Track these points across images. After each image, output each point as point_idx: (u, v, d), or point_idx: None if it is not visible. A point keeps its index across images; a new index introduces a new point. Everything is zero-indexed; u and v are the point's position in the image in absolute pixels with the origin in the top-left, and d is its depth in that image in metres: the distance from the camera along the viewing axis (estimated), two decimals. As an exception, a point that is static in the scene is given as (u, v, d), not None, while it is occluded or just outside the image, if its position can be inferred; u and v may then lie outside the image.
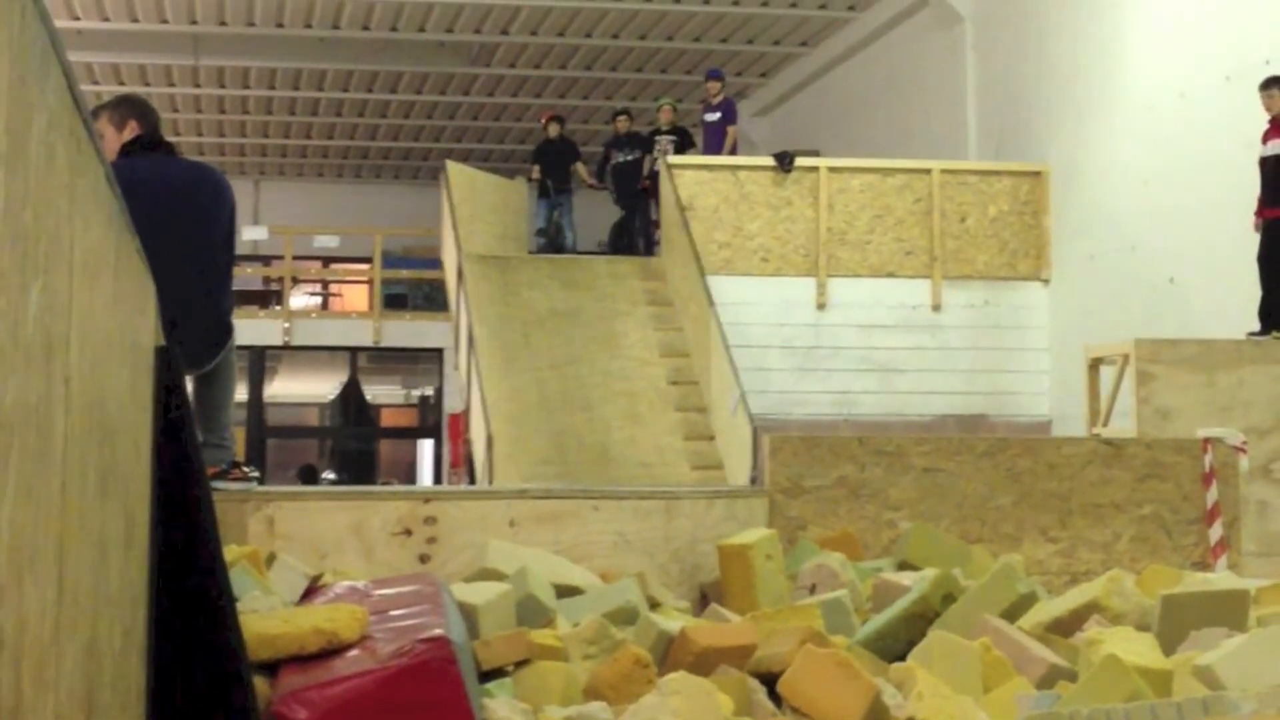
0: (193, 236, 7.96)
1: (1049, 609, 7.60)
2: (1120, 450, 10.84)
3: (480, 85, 28.41)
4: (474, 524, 9.35)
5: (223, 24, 24.60)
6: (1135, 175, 17.56)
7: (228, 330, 8.34)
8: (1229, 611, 7.07)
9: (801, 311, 18.96)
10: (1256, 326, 13.32)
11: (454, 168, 20.65)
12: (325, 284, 34.45)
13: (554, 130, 22.37)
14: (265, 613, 6.18)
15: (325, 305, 34.06)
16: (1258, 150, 13.54)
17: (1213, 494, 10.76)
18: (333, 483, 28.83)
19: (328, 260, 32.63)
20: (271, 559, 8.02)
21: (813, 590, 8.82)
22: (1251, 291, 13.49)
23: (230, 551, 7.28)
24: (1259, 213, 13.51)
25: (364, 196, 34.82)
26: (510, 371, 17.28)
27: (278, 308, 28.27)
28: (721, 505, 10.01)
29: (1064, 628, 7.40)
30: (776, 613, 7.72)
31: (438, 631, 5.51)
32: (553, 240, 21.63)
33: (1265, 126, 13.52)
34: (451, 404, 25.66)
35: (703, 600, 9.38)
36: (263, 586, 7.16)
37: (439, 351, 26.63)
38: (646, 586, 8.69)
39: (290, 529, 9.05)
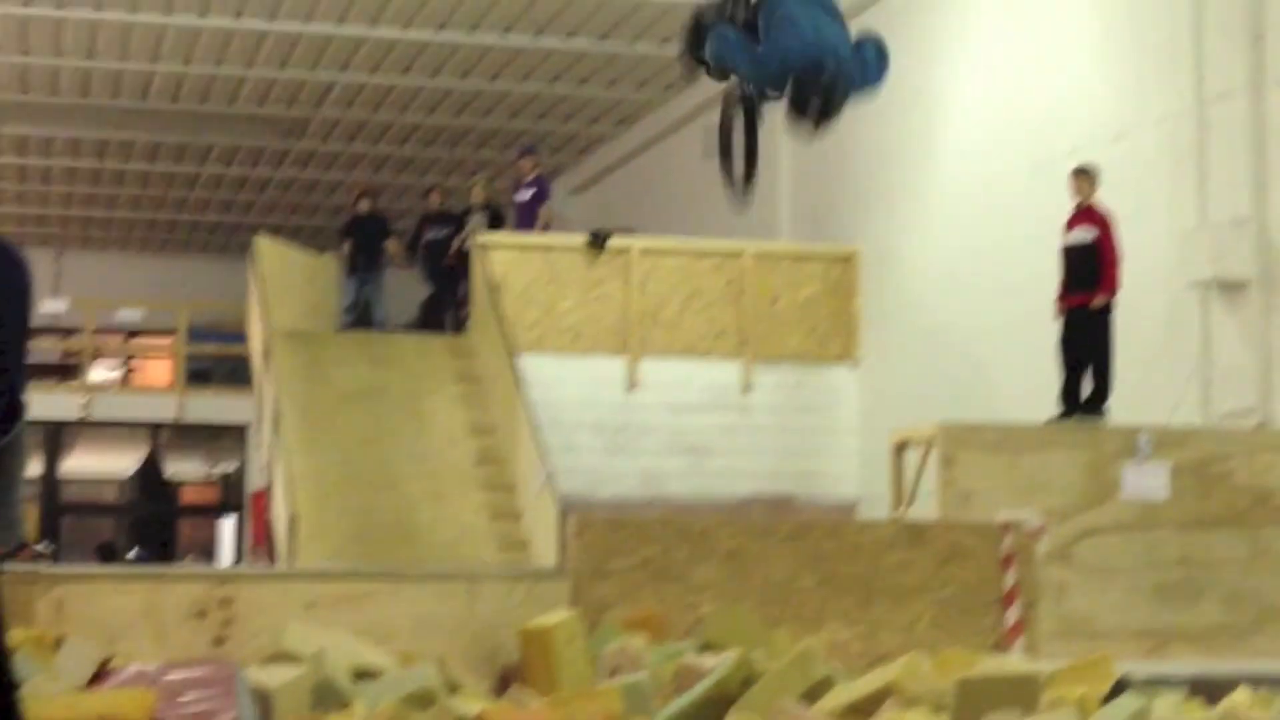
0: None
1: (847, 692, 7.60)
2: (922, 533, 10.92)
3: (292, 159, 28.18)
4: (272, 606, 9.17)
5: (25, 92, 24.16)
6: (943, 260, 17.81)
7: (17, 409, 8.09)
8: (1021, 695, 7.11)
9: (612, 391, 18.95)
10: (1057, 411, 13.51)
11: (263, 242, 20.43)
12: (128, 358, 33.86)
13: (365, 206, 22.21)
14: (50, 697, 6.00)
15: (127, 379, 33.45)
16: (1061, 238, 13.78)
17: (1011, 577, 10.86)
18: (135, 560, 28.23)
19: (131, 333, 32.07)
20: (59, 642, 7.79)
21: (614, 673, 8.75)
22: (1054, 377, 13.70)
23: (16, 635, 7.05)
24: (1060, 300, 13.72)
25: (170, 269, 34.26)
26: (315, 449, 17.05)
27: (76, 381, 27.74)
28: (524, 587, 9.91)
29: (862, 711, 7.40)
30: (576, 696, 7.63)
31: (227, 717, 5.37)
32: (362, 317, 21.43)
33: (1069, 214, 13.77)
34: (255, 481, 25.28)
35: (503, 683, 9.26)
36: (48, 670, 6.95)
37: (243, 428, 26.25)
38: (446, 669, 8.56)
39: (80, 611, 8.80)
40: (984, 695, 6.96)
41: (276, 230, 29.40)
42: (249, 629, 9.05)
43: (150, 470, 31.40)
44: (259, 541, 24.41)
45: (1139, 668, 9.80)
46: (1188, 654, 11.94)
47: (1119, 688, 8.38)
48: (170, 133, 26.13)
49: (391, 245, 21.98)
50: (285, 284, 20.27)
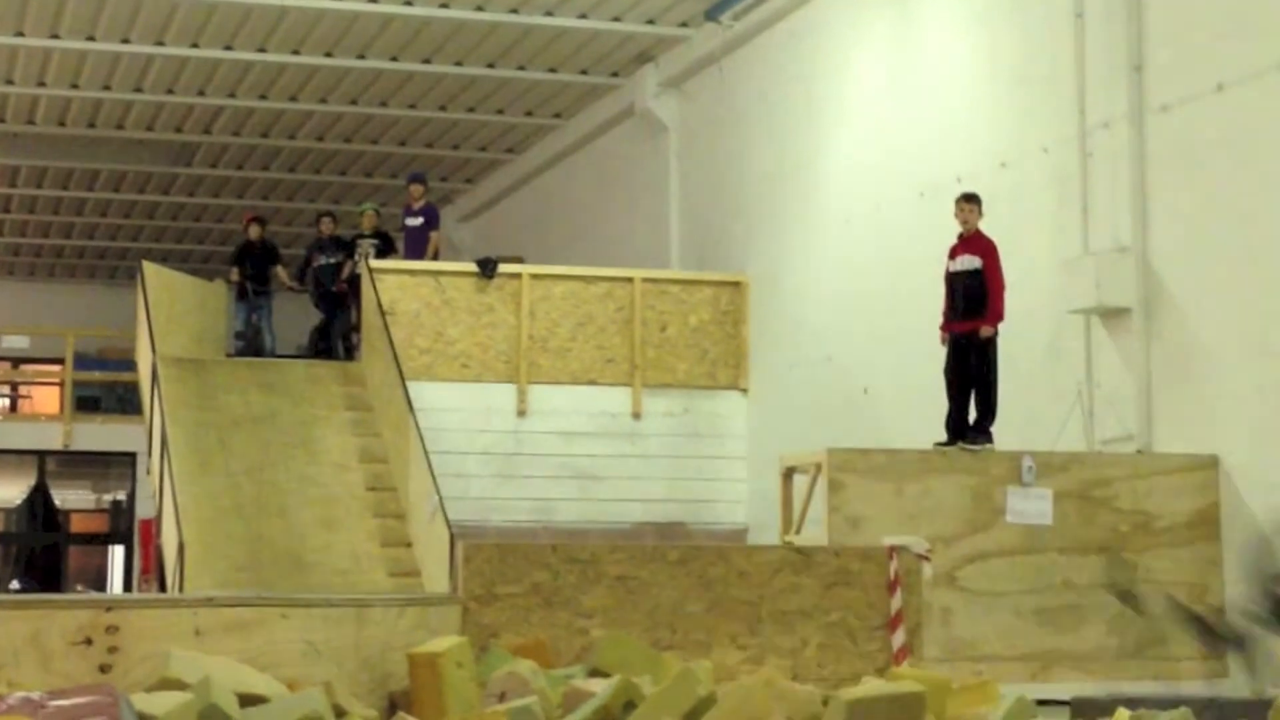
0: None
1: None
2: (809, 558, 10.99)
3: (180, 185, 27.99)
4: (158, 633, 9.10)
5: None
6: (831, 287, 17.96)
7: None
8: (908, 712, 7.19)
9: (502, 418, 18.96)
10: (944, 437, 13.64)
11: (150, 268, 20.27)
12: (14, 385, 33.46)
13: (255, 232, 22.09)
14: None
15: (14, 407, 33.06)
16: (945, 265, 13.93)
17: (897, 601, 10.95)
18: (18, 591, 27.87)
19: (17, 361, 31.72)
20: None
21: (503, 698, 8.76)
22: (941, 403, 13.84)
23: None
24: (945, 327, 13.86)
25: (56, 296, 33.91)
26: (204, 476, 16.94)
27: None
28: (413, 613, 9.90)
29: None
30: (465, 719, 7.65)
31: (110, 745, 5.35)
32: (251, 343, 21.30)
33: (954, 242, 13.91)
34: (144, 509, 25.06)
35: (391, 709, 9.25)
36: (-71, 699, 6.88)
37: (132, 455, 26.00)
38: (334, 695, 8.54)
39: (-37, 639, 8.71)
40: (870, 713, 7.04)
41: (164, 256, 29.26)
42: (135, 656, 8.98)
43: (38, 499, 31.02)
44: (147, 570, 24.21)
45: (1022, 690, 9.91)
46: (1070, 676, 12.08)
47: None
48: (56, 158, 25.90)
49: (280, 272, 21.88)
50: (173, 310, 20.13)
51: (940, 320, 13.93)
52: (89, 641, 8.95)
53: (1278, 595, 7.75)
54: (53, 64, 21.71)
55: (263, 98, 23.21)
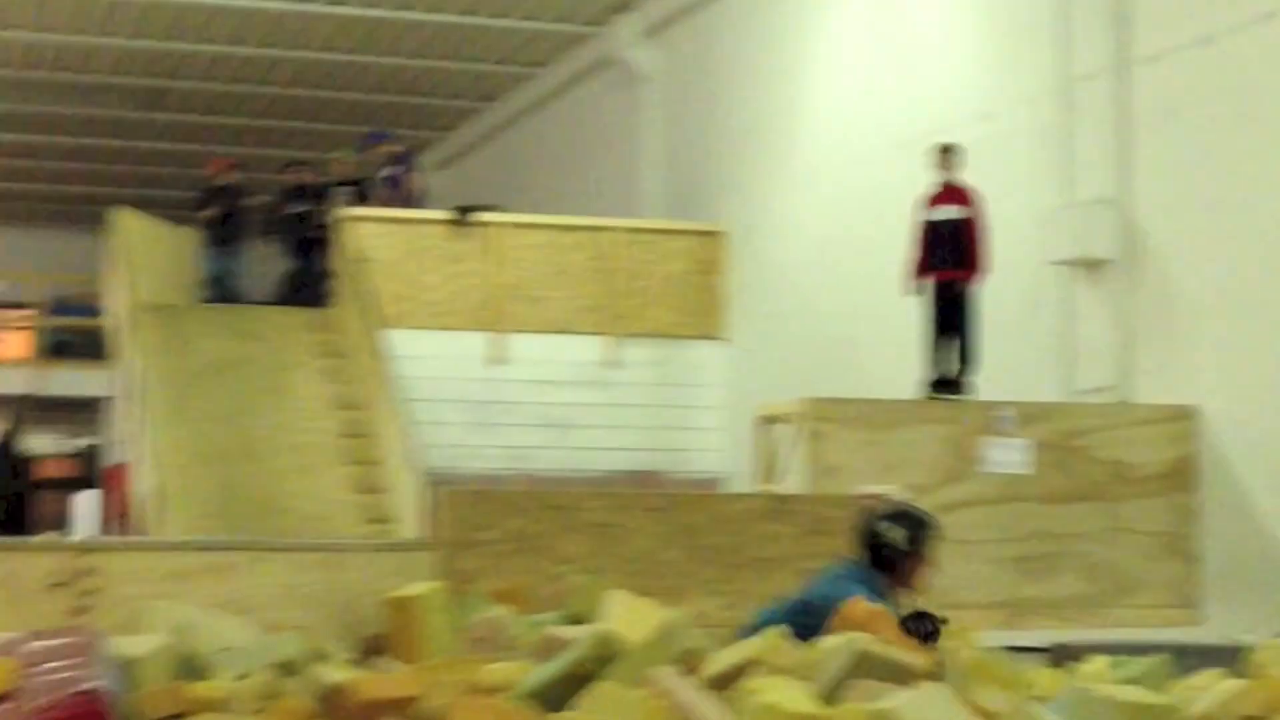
0: None
1: (714, 662, 7.60)
2: (787, 506, 10.96)
3: (148, 130, 27.76)
4: (134, 576, 9.04)
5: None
6: (811, 237, 17.92)
7: None
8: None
9: (477, 366, 18.89)
10: (923, 387, 13.63)
11: (123, 214, 20.14)
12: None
13: (230, 178, 21.95)
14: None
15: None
16: (921, 213, 13.87)
17: (875, 548, 10.91)
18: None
19: (-8, 306, 31.53)
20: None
21: (481, 643, 8.72)
22: (919, 353, 13.82)
23: None
24: (921, 275, 13.80)
25: (25, 242, 33.67)
26: (178, 422, 16.86)
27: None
28: (390, 558, 9.85)
29: (728, 680, 7.41)
30: (441, 664, 7.61)
31: (91, 685, 5.30)
32: (225, 290, 21.20)
33: (932, 190, 13.86)
34: (115, 455, 24.95)
35: (369, 653, 9.20)
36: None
37: (101, 401, 25.87)
38: (312, 639, 8.49)
39: (-63, 581, 8.64)
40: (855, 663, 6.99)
41: (135, 202, 28.98)
42: (111, 599, 8.92)
43: (6, 444, 30.86)
44: (119, 515, 24.11)
45: (999, 637, 9.92)
46: (1047, 624, 12.12)
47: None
48: (22, 101, 25.67)
49: (253, 215, 21.77)
50: (146, 257, 20.01)
51: (913, 269, 13.88)
52: (64, 585, 8.89)
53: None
54: (18, 7, 21.49)
55: (235, 43, 23.02)
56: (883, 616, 7.17)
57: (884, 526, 8.00)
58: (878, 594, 7.88)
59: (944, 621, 7.82)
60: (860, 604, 7.28)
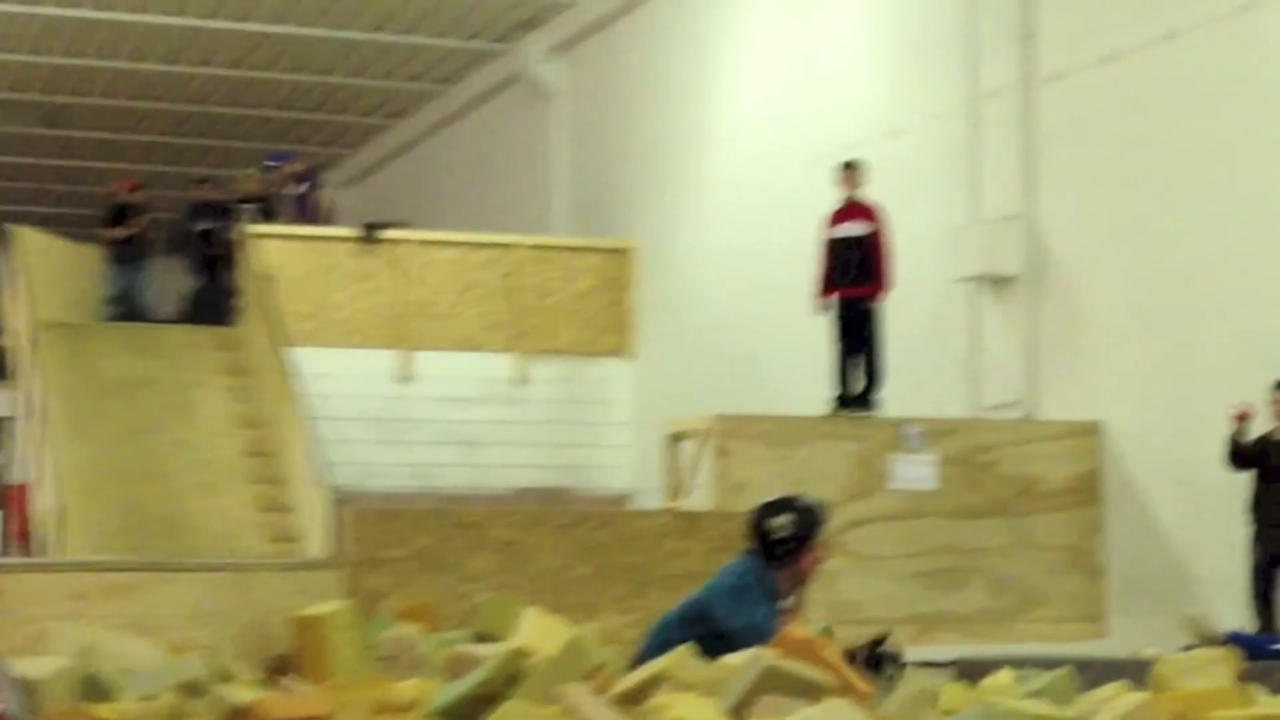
0: None
1: (623, 679, 7.60)
2: (695, 523, 10.98)
3: (51, 147, 27.49)
4: (37, 597, 8.93)
5: None
6: (719, 254, 17.96)
7: None
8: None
9: (385, 384, 18.82)
10: (831, 404, 13.67)
11: (24, 231, 19.93)
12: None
13: (135, 196, 21.79)
14: None
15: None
16: (825, 231, 13.90)
17: (784, 565, 10.94)
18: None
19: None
20: None
21: (389, 662, 8.68)
22: (828, 369, 13.87)
23: None
24: (826, 293, 13.81)
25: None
26: (81, 441, 16.68)
27: None
28: (297, 577, 9.79)
29: (637, 697, 7.41)
30: (350, 682, 7.56)
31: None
32: (129, 307, 21.02)
33: (835, 208, 13.89)
34: (16, 475, 24.65)
35: (276, 672, 9.14)
36: None
37: (2, 421, 25.54)
38: (218, 659, 8.42)
39: None
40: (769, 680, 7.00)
41: (35, 220, 28.67)
42: (13, 621, 8.80)
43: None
44: (19, 537, 23.83)
45: (906, 652, 9.95)
46: (953, 638, 12.18)
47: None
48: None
49: (154, 234, 21.63)
50: (47, 274, 19.81)
51: (818, 286, 13.89)
52: (-35, 605, 8.77)
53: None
54: (-80, 22, 21.29)
55: (139, 59, 22.85)
56: (824, 644, 7.15)
57: (771, 518, 7.95)
58: (773, 592, 7.86)
59: (902, 665, 7.78)
60: (795, 633, 7.26)
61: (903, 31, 15.58)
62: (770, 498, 8.12)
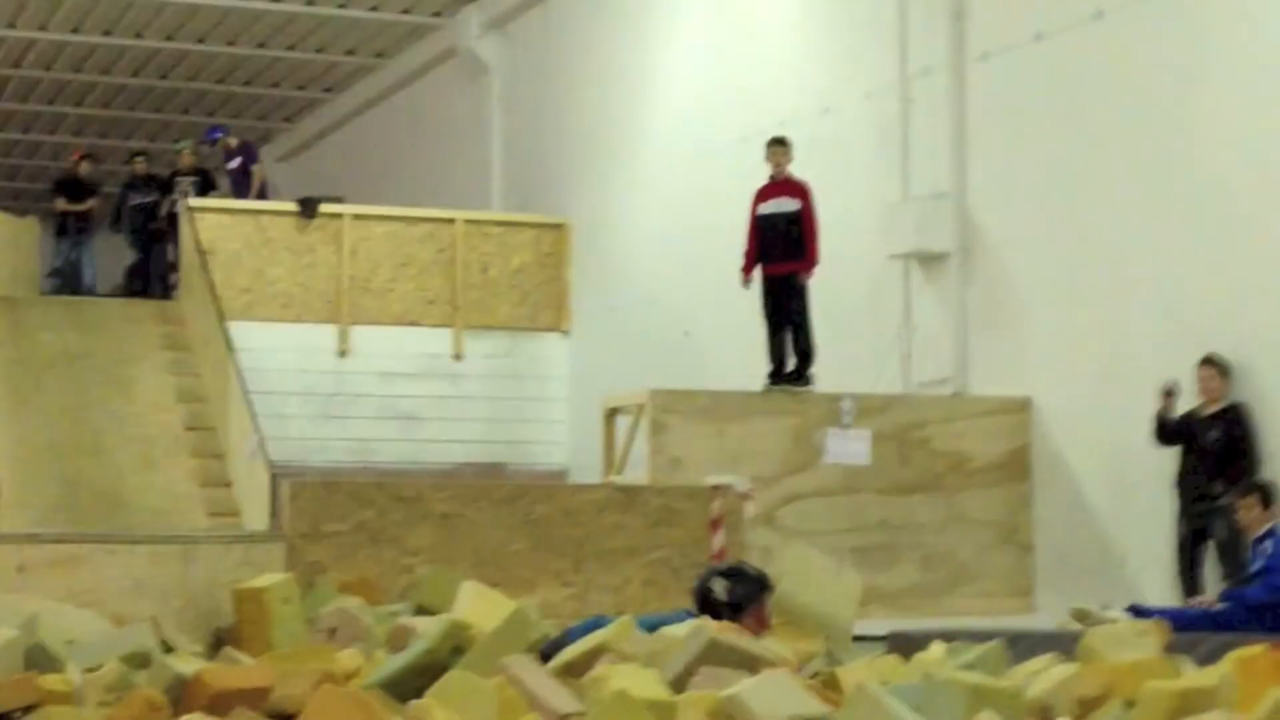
0: None
1: (563, 651, 7.73)
2: (634, 497, 11.14)
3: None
4: (-20, 569, 9.02)
5: None
6: (654, 231, 18.08)
7: None
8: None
9: (322, 358, 18.86)
10: (767, 378, 13.79)
11: (-42, 204, 19.88)
12: None
13: (84, 168, 21.78)
14: None
15: None
16: (754, 207, 13.95)
17: (719, 539, 11.12)
18: None
19: None
20: None
21: (333, 634, 8.79)
22: (763, 345, 13.99)
23: None
24: (754, 268, 13.83)
25: None
26: (19, 415, 16.69)
27: None
28: (239, 550, 9.90)
29: (577, 669, 7.54)
30: (293, 654, 7.68)
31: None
32: (69, 280, 21.00)
33: (764, 184, 13.96)
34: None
35: (218, 644, 9.24)
36: None
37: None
38: (160, 631, 8.52)
39: None
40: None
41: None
42: (-44, 593, 8.89)
43: None
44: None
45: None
46: (886, 613, 12.33)
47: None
48: None
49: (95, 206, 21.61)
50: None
51: (744, 262, 13.93)
52: (-92, 578, 8.85)
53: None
54: None
55: (75, 31, 22.75)
56: None
57: (715, 583, 8.13)
58: None
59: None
60: None
61: (835, 10, 15.72)
62: (722, 566, 8.38)
